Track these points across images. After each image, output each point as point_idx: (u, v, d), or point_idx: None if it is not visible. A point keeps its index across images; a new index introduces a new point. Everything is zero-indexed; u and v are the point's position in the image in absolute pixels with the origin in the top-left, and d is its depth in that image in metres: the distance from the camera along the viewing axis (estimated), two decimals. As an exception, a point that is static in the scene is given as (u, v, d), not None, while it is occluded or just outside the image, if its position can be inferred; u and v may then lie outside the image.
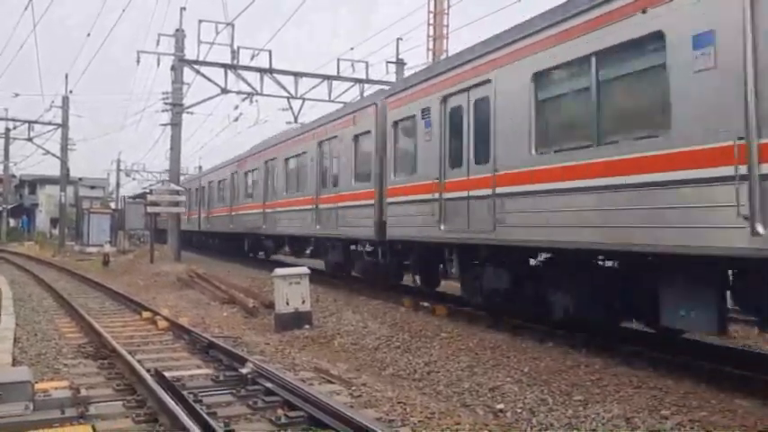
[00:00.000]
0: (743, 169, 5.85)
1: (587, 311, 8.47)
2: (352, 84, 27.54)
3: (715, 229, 6.10)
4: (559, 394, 6.71)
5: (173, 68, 25.74)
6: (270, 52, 25.88)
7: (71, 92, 42.14)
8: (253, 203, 23.19)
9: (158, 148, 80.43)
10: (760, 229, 5.73)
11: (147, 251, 26.83)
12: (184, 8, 26.23)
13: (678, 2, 6.59)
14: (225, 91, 25.67)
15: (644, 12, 6.94)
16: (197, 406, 5.67)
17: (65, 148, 42.81)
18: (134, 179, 64.71)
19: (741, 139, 5.88)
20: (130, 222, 42.99)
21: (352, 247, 15.98)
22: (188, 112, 26.95)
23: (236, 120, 32.50)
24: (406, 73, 26.75)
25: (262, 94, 26.42)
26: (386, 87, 17.06)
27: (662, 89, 6.77)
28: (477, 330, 10.09)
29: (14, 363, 7.83)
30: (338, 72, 27.17)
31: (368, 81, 27.47)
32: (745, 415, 5.85)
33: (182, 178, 50.57)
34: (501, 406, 6.45)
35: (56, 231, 51.30)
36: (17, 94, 41.06)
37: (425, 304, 12.58)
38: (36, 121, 42.33)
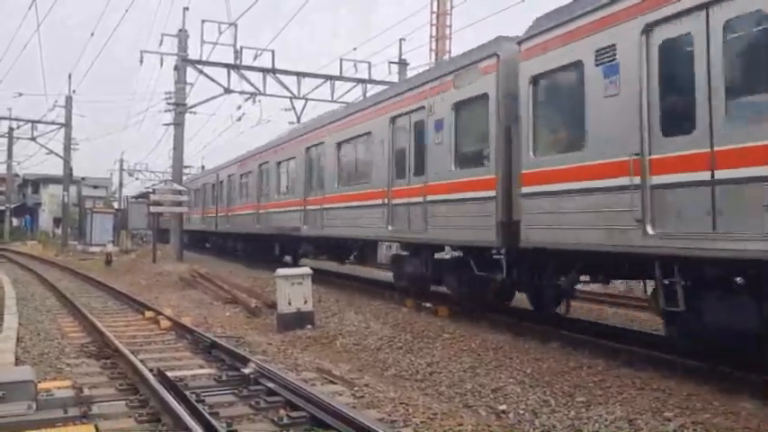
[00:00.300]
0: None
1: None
2: (354, 84, 27.56)
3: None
4: (562, 395, 6.70)
5: (176, 68, 25.79)
6: (273, 52, 25.97)
7: (74, 92, 42.29)
8: (289, 200, 19.38)
9: (161, 147, 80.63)
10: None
11: (150, 251, 26.88)
12: (187, 8, 26.32)
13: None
14: (228, 91, 25.71)
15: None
16: (199, 406, 5.67)
17: (68, 147, 42.93)
18: (137, 179, 64.90)
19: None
20: (133, 222, 43.03)
21: (438, 254, 12.08)
22: (191, 112, 27.04)
23: (239, 120, 32.52)
24: (410, 73, 26.77)
25: (265, 94, 26.46)
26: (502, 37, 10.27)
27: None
28: (480, 331, 10.08)
29: (17, 362, 7.84)
30: (341, 72, 27.20)
31: (370, 81, 27.49)
32: (748, 417, 5.84)
33: (193, 171, 50.71)
34: (503, 407, 6.44)
35: (59, 231, 51.37)
36: (20, 94, 41.05)
37: (428, 305, 12.57)
38: (39, 121, 42.43)
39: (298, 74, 26.70)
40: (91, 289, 17.95)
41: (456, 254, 11.34)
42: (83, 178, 58.47)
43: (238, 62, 25.31)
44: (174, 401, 5.63)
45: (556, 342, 9.12)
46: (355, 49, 43.17)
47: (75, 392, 6.00)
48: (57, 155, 43.55)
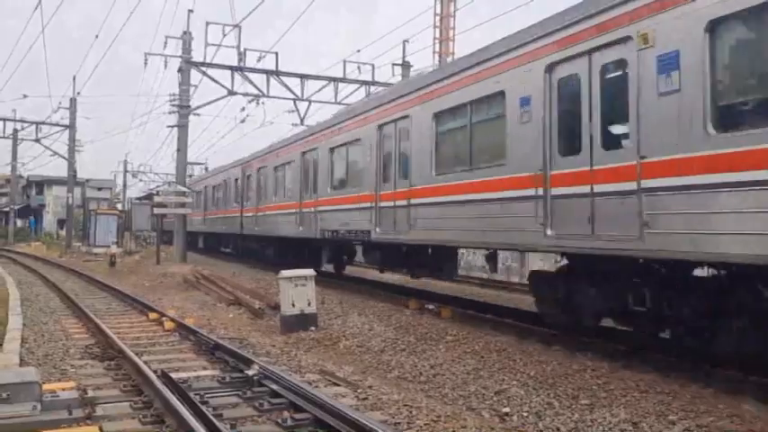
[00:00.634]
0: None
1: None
2: (358, 86, 27.58)
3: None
4: (566, 398, 6.69)
5: (180, 70, 25.83)
6: (276, 54, 25.98)
7: (79, 93, 42.28)
8: (348, 195, 15.09)
9: (165, 149, 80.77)
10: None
11: (154, 252, 26.93)
12: (192, 10, 26.37)
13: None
14: (231, 93, 25.75)
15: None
16: (203, 407, 5.68)
17: (72, 149, 43.06)
18: (141, 180, 64.92)
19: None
20: (137, 223, 43.15)
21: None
22: (195, 114, 27.07)
23: (243, 121, 32.57)
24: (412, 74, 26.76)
25: (268, 96, 26.50)
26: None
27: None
28: (483, 333, 10.07)
29: (22, 363, 7.86)
30: (344, 74, 27.22)
31: (374, 83, 27.50)
32: (752, 420, 5.82)
33: (196, 172, 50.83)
34: (507, 409, 6.44)
35: (63, 232, 51.54)
36: (25, 96, 41.17)
37: (431, 307, 12.57)
38: (44, 123, 42.58)
39: (301, 76, 26.73)
40: (95, 290, 18.00)
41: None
42: (87, 180, 58.65)
43: (242, 64, 25.35)
44: (178, 403, 5.64)
45: (559, 344, 9.11)
46: (359, 51, 43.22)
47: (79, 394, 6.02)
48: (61, 156, 43.76)
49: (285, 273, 11.57)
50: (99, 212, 45.75)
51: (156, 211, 26.79)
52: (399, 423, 5.71)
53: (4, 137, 43.05)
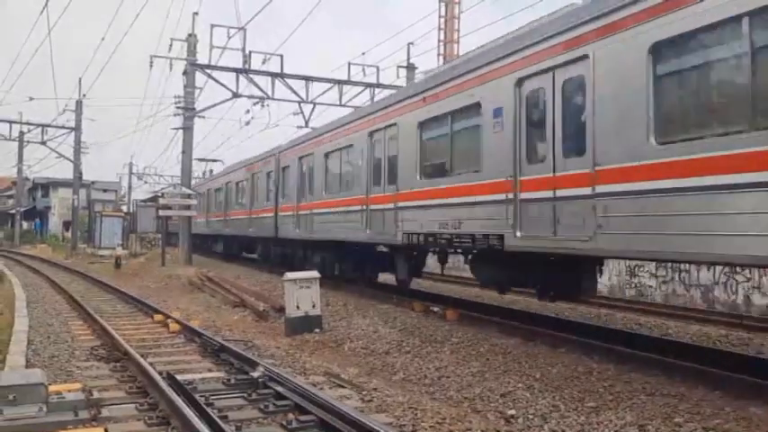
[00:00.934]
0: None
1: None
2: (363, 88, 27.61)
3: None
4: (571, 400, 6.67)
5: (185, 73, 25.91)
6: (281, 57, 26.04)
7: (84, 96, 42.35)
8: (466, 183, 10.52)
9: (170, 151, 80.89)
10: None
11: (159, 254, 26.99)
12: (197, 13, 26.48)
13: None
14: (236, 95, 25.81)
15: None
16: (208, 409, 5.69)
17: (78, 151, 43.17)
18: (146, 182, 65.06)
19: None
20: (142, 225, 43.23)
21: None
22: (200, 116, 27.14)
23: (248, 123, 32.61)
24: (417, 77, 26.80)
25: (273, 99, 26.55)
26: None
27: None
28: (488, 335, 10.05)
29: (28, 365, 7.88)
30: (349, 76, 27.24)
31: (379, 85, 27.53)
32: (759, 423, 5.80)
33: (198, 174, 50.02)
34: (512, 412, 6.42)
35: (68, 234, 51.66)
36: (31, 98, 41.15)
37: (436, 309, 12.56)
38: (49, 125, 42.70)
39: (306, 78, 26.76)
40: (100, 292, 18.04)
41: None
42: (92, 182, 58.83)
43: (247, 66, 25.40)
44: (184, 404, 5.65)
45: (565, 346, 9.08)
46: (364, 53, 43.30)
47: (85, 395, 6.02)
48: (66, 158, 43.81)
49: (290, 275, 11.58)
50: (104, 214, 45.92)
51: (160, 213, 26.88)
52: (404, 425, 5.70)
53: (10, 139, 43.22)
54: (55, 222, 68.38)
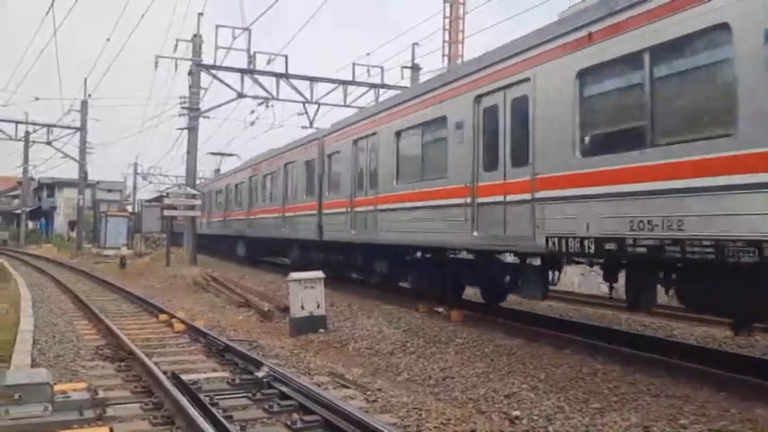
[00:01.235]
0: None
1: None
2: (367, 88, 27.63)
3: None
4: (576, 402, 6.66)
5: (190, 73, 25.97)
6: (286, 57, 26.07)
7: (89, 96, 42.50)
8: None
9: (175, 151, 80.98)
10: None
11: (164, 254, 27.04)
12: (202, 14, 26.58)
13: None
14: (241, 95, 25.86)
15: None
16: (213, 409, 5.70)
17: (83, 151, 43.34)
18: (151, 182, 65.23)
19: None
20: (147, 225, 43.35)
21: None
22: (205, 117, 27.20)
23: (253, 124, 32.72)
24: (422, 78, 26.81)
25: (278, 99, 26.59)
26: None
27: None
28: (493, 336, 10.04)
29: (33, 364, 7.91)
30: (353, 77, 27.26)
31: (383, 86, 27.54)
32: (765, 424, 5.78)
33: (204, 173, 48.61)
34: (517, 413, 6.41)
35: (73, 234, 51.85)
36: (37, 99, 41.38)
37: (440, 309, 12.55)
38: (55, 125, 42.92)
39: (311, 78, 26.80)
40: (105, 292, 18.09)
41: None
42: (97, 182, 59.00)
43: (252, 67, 25.45)
44: (189, 404, 5.65)
45: (570, 348, 9.07)
46: (368, 54, 43.28)
47: (90, 395, 6.03)
48: (72, 158, 44.02)
49: (294, 275, 11.59)
50: (109, 214, 46.06)
51: (165, 213, 26.95)
52: (409, 426, 5.70)
53: (16, 139, 43.42)
54: (60, 222, 68.60)
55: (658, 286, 8.12)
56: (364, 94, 27.69)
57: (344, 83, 27.19)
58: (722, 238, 6.31)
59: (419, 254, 13.76)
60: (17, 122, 41.92)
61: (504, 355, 8.85)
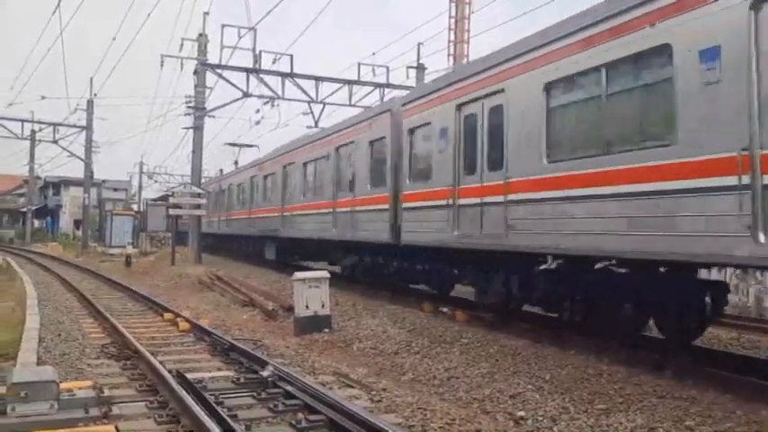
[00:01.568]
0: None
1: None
2: (372, 88, 27.63)
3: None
4: (581, 402, 6.64)
5: (195, 72, 26.01)
6: (291, 57, 26.10)
7: (95, 95, 42.63)
8: None
9: (181, 150, 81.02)
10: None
11: (169, 253, 27.10)
12: (207, 13, 26.57)
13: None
14: (246, 95, 25.88)
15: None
16: (218, 408, 5.71)
17: (89, 150, 43.45)
18: (156, 182, 65.37)
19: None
20: (152, 224, 43.44)
21: None
22: (210, 116, 27.24)
23: (258, 123, 32.71)
24: (427, 78, 26.80)
25: (283, 98, 26.61)
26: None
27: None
28: (498, 337, 10.02)
29: (39, 362, 7.92)
30: (359, 76, 27.27)
31: (388, 85, 27.54)
32: (772, 427, 5.74)
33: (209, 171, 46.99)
34: (522, 413, 6.40)
35: (79, 232, 51.99)
36: (43, 97, 41.44)
37: (445, 310, 12.54)
38: (61, 124, 42.99)
39: (316, 78, 26.81)
40: (111, 290, 18.14)
41: None
42: (103, 181, 59.20)
43: (257, 66, 25.48)
44: (194, 403, 5.66)
45: (575, 348, 9.04)
46: (374, 53, 43.28)
47: (96, 393, 6.05)
48: (78, 157, 44.11)
49: (299, 274, 11.60)
50: (115, 213, 46.20)
51: (171, 212, 27.00)
52: (414, 426, 5.70)
53: (22, 138, 43.53)
54: (66, 221, 68.78)
55: None
56: (369, 93, 27.73)
57: (350, 82, 27.20)
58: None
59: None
60: (23, 121, 41.98)
61: (509, 355, 8.84)
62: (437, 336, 10.29)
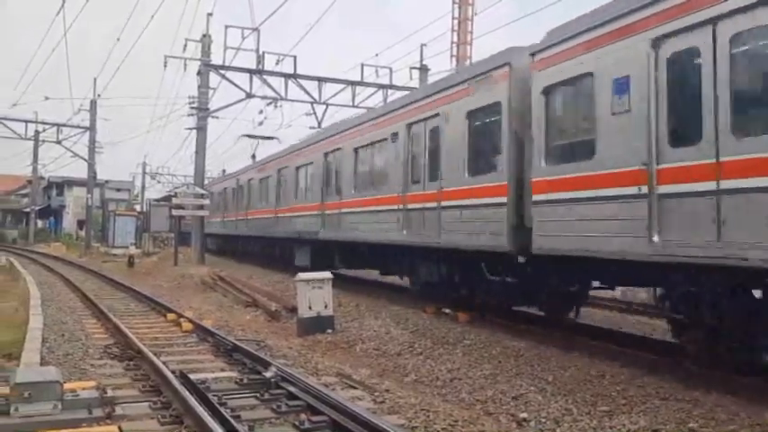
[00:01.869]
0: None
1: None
2: (375, 89, 27.65)
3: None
4: (584, 404, 6.64)
5: (199, 73, 26.06)
6: (294, 58, 26.13)
7: (99, 95, 42.72)
8: None
9: (184, 151, 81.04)
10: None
11: (172, 253, 27.14)
12: (211, 14, 26.65)
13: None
14: (250, 96, 25.92)
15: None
16: (221, 408, 5.71)
17: (92, 150, 43.55)
18: (159, 182, 65.48)
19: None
20: (155, 225, 43.53)
21: None
22: (213, 117, 27.26)
23: (261, 124, 32.58)
24: (430, 79, 26.79)
25: (286, 99, 26.64)
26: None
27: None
28: (500, 338, 10.02)
29: (42, 363, 7.94)
30: (362, 77, 27.29)
31: (391, 86, 27.56)
32: (775, 429, 5.73)
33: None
34: (525, 415, 6.40)
35: (82, 233, 52.09)
36: (47, 98, 41.61)
37: (447, 311, 12.53)
38: (64, 125, 43.13)
39: (319, 79, 26.85)
40: (114, 291, 18.17)
41: None
42: (106, 181, 59.29)
43: (260, 67, 25.51)
44: (197, 404, 5.67)
45: (578, 350, 9.03)
46: (377, 54, 43.36)
47: (99, 393, 6.06)
48: (81, 158, 44.23)
49: (302, 275, 11.62)
50: (118, 213, 46.34)
51: (174, 212, 27.04)
52: (416, 427, 5.70)
53: (26, 138, 43.67)
54: (69, 221, 68.92)
55: None
56: (372, 94, 27.76)
57: (353, 83, 27.23)
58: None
59: None
60: (27, 122, 42.16)
61: (512, 356, 8.83)
62: (440, 337, 10.29)
